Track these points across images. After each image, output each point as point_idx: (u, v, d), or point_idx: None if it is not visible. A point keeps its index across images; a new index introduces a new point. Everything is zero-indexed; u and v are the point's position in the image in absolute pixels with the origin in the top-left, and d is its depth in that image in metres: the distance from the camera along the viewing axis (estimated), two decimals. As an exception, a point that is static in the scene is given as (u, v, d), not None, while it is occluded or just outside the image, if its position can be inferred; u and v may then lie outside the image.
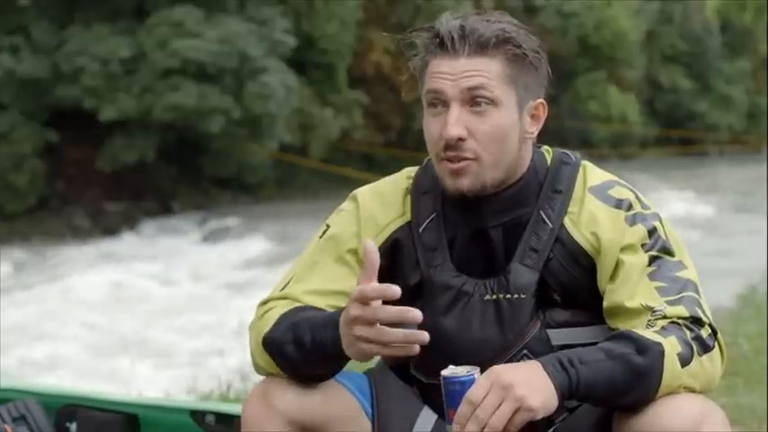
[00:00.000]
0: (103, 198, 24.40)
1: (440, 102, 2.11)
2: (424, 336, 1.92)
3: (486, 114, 2.09)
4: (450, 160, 2.10)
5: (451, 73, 2.09)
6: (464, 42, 2.09)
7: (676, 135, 38.13)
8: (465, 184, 2.10)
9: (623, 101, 36.62)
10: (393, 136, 29.71)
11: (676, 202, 22.30)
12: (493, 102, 2.09)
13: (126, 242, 21.97)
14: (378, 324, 1.92)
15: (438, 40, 2.11)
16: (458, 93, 2.09)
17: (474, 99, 2.09)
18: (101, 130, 24.14)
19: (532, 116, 2.16)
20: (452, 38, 2.09)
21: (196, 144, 25.03)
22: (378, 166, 26.40)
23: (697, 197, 24.31)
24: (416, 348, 1.92)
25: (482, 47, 2.09)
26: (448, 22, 2.12)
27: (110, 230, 23.21)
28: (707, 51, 39.87)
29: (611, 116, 35.99)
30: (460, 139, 2.08)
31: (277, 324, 2.09)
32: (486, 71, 2.09)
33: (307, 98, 26.90)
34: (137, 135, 24.24)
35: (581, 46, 36.06)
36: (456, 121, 2.08)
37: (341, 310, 2.04)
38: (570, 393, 1.92)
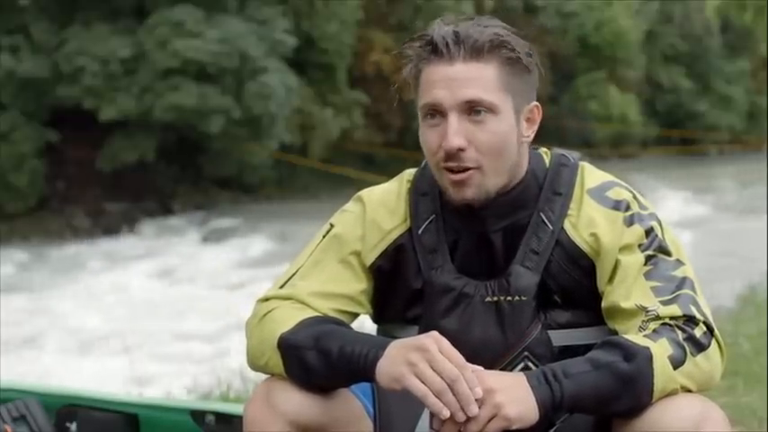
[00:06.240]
0: (103, 198, 24.40)
1: (437, 112, 2.10)
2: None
3: (484, 122, 2.08)
4: (451, 170, 2.09)
5: (447, 80, 2.08)
6: (459, 47, 2.08)
7: (676, 135, 38.14)
8: (469, 193, 2.10)
9: (623, 101, 36.63)
10: (393, 136, 29.70)
11: (676, 202, 22.30)
12: (491, 109, 2.08)
13: (126, 242, 21.97)
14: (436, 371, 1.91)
15: (431, 46, 2.09)
16: (455, 103, 2.07)
17: (472, 108, 2.08)
18: (101, 130, 24.15)
19: (528, 120, 2.15)
20: (447, 43, 2.08)
21: (196, 144, 25.03)
22: (378, 166, 26.42)
23: (697, 197, 24.32)
24: (446, 413, 1.89)
25: (477, 52, 2.08)
26: (440, 28, 2.10)
27: (110, 230, 23.21)
28: (707, 51, 39.88)
29: (611, 116, 36.00)
30: (461, 150, 2.07)
31: (297, 328, 2.06)
32: (482, 78, 2.08)
33: (307, 98, 26.90)
34: (137, 135, 24.25)
35: (581, 46, 36.07)
36: (456, 132, 2.07)
37: (382, 336, 2.12)
38: (554, 407, 1.92)
